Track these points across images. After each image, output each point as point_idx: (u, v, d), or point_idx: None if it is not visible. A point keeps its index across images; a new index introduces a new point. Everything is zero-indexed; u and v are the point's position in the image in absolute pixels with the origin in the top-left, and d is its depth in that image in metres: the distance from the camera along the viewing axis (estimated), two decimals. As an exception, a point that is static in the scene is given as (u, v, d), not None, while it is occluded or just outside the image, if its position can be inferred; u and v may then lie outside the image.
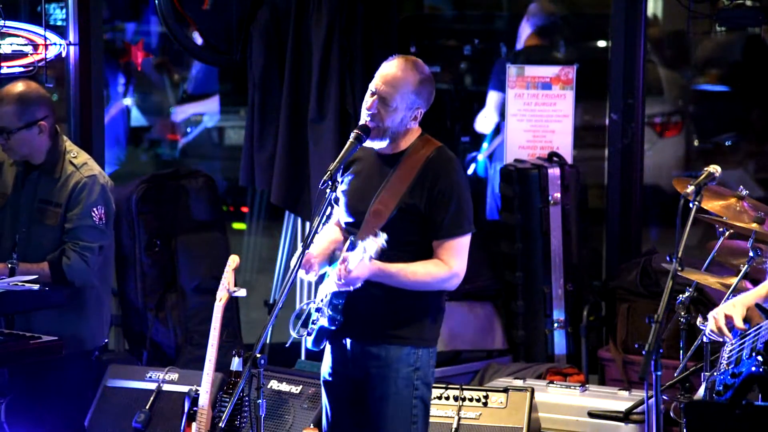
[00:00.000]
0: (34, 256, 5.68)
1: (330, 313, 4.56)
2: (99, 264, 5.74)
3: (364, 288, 4.51)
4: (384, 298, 4.57)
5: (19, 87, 5.70)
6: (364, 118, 4.62)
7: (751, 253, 5.35)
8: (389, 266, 4.50)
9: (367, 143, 4.64)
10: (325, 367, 4.78)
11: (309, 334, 4.69)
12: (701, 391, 4.90)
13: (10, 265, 5.50)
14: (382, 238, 4.34)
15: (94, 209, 5.66)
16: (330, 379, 4.75)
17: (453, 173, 4.60)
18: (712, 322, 4.57)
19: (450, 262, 4.57)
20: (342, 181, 4.71)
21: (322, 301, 4.64)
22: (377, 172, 4.65)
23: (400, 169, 4.60)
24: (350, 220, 4.68)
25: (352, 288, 4.48)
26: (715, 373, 4.70)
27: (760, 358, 4.46)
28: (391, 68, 4.62)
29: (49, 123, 5.69)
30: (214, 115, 10.72)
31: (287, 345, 4.97)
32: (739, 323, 4.51)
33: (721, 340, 4.57)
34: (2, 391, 5.62)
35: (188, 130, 10.63)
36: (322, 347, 4.72)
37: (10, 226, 5.74)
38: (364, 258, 4.39)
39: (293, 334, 4.76)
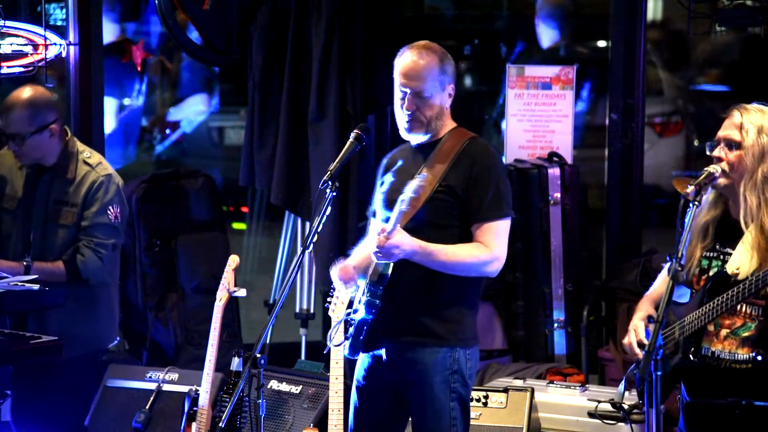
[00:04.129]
0: (48, 257, 5.69)
1: (368, 299, 4.54)
2: (113, 262, 5.74)
3: (400, 279, 4.50)
4: (421, 289, 4.55)
5: (27, 92, 5.73)
6: (404, 120, 4.62)
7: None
8: (430, 244, 4.49)
9: (415, 138, 4.66)
10: (359, 371, 4.77)
11: (347, 339, 4.68)
12: (621, 388, 4.97)
13: (25, 263, 5.52)
14: (419, 178, 4.35)
15: (110, 207, 5.69)
16: (364, 384, 4.75)
17: (490, 157, 4.62)
18: (627, 338, 4.65)
19: (490, 245, 4.55)
20: (380, 184, 4.74)
21: (359, 302, 4.63)
22: (412, 162, 4.67)
23: (436, 155, 4.61)
24: (389, 212, 4.66)
25: (390, 261, 4.46)
26: (636, 372, 4.73)
27: (692, 353, 4.51)
28: (411, 62, 4.61)
29: (59, 126, 5.74)
30: (197, 114, 10.68)
31: (325, 351, 4.99)
32: (641, 335, 4.59)
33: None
34: (5, 388, 5.65)
35: (167, 131, 10.60)
36: (357, 356, 4.71)
37: (22, 228, 5.76)
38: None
39: (330, 344, 4.77)
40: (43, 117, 5.67)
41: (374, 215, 4.76)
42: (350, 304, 4.73)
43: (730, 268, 4.52)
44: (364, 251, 4.74)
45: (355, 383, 4.79)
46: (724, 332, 4.54)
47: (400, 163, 4.73)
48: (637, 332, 4.66)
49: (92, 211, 5.66)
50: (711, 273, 4.59)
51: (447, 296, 4.60)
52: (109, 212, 5.69)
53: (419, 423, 4.64)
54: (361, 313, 4.59)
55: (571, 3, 8.55)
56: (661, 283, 4.85)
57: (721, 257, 4.60)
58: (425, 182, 4.43)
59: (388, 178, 4.73)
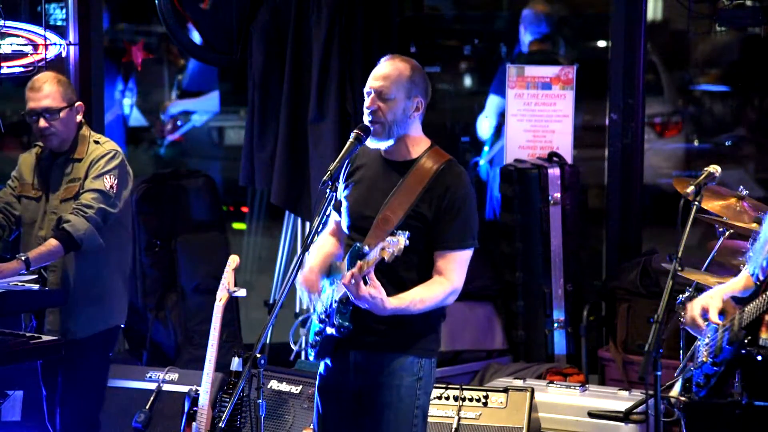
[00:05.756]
0: None
1: (338, 321, 4.53)
2: (104, 231, 5.70)
3: None
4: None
5: (50, 72, 5.83)
6: (366, 118, 4.60)
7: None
8: (400, 303, 4.46)
9: (374, 144, 4.62)
10: (322, 371, 4.74)
11: (312, 347, 4.67)
12: (677, 387, 4.94)
13: (23, 259, 5.51)
14: (404, 238, 4.29)
15: (107, 176, 5.69)
16: (327, 385, 4.71)
17: (463, 186, 4.58)
18: (689, 313, 4.60)
19: (450, 276, 4.54)
20: (345, 188, 4.69)
21: (325, 312, 4.61)
22: (385, 178, 4.62)
23: (411, 177, 4.57)
24: (354, 225, 4.64)
25: (353, 299, 4.44)
26: (692, 368, 4.72)
27: (746, 341, 4.48)
28: (381, 67, 4.62)
29: (83, 104, 5.80)
30: (205, 112, 10.69)
31: (291, 358, 4.95)
32: (713, 317, 4.54)
33: (695, 332, 4.59)
34: (7, 388, 5.65)
35: (178, 123, 10.60)
36: (322, 361, 4.70)
37: (43, 212, 5.78)
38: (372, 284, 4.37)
39: (294, 347, 4.74)
40: (71, 94, 5.74)
41: (332, 203, 4.64)
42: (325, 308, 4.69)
43: None
44: (324, 249, 4.72)
45: (317, 383, 4.76)
46: None
47: (368, 173, 4.66)
48: (709, 308, 4.56)
49: (90, 179, 5.68)
50: None
51: (412, 316, 4.54)
52: (105, 180, 5.68)
53: (381, 425, 4.59)
54: (331, 331, 4.57)
55: (552, 8, 8.57)
56: (741, 278, 4.76)
57: None
58: (395, 248, 4.38)
59: (356, 188, 4.65)
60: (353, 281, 4.36)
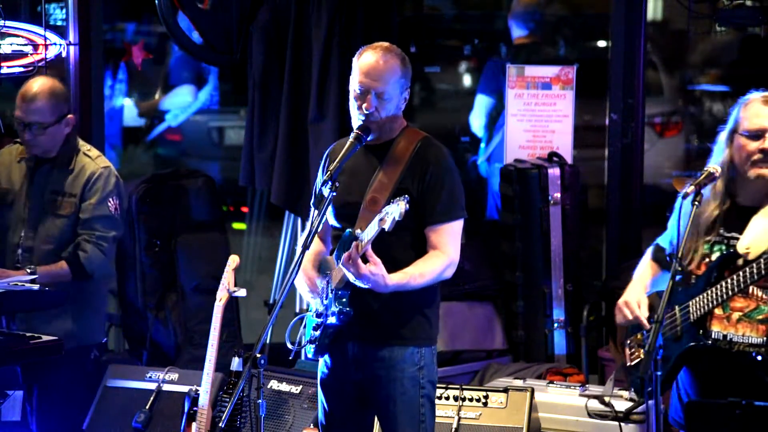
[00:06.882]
0: (44, 248, 5.69)
1: (338, 307, 4.54)
2: (114, 254, 5.74)
3: (365, 290, 4.50)
4: (386, 299, 4.55)
5: (46, 82, 5.76)
6: (360, 117, 4.60)
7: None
8: (401, 278, 4.49)
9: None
10: (322, 368, 4.76)
11: (311, 342, 4.67)
12: (608, 386, 4.98)
13: (29, 271, 5.52)
14: (404, 202, 4.29)
15: (110, 199, 5.70)
16: (329, 380, 4.73)
17: (443, 159, 4.62)
18: (627, 312, 4.65)
19: (446, 249, 4.57)
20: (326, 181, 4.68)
21: (321, 305, 4.62)
22: (364, 163, 4.65)
23: (391, 157, 4.62)
24: (341, 214, 4.66)
25: (354, 279, 4.45)
26: (627, 364, 4.75)
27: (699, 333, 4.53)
28: (373, 62, 4.58)
29: (74, 117, 5.78)
30: (178, 108, 10.61)
31: (291, 357, 4.96)
32: (645, 312, 4.61)
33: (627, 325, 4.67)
34: (8, 388, 5.66)
35: (154, 121, 10.56)
36: (321, 357, 4.71)
37: (21, 220, 5.76)
38: (372, 265, 4.37)
39: (291, 346, 4.74)
40: (62, 107, 5.73)
41: (315, 205, 4.64)
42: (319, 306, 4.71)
43: (740, 247, 4.52)
44: (311, 251, 4.68)
45: (319, 380, 4.78)
46: (736, 315, 4.54)
47: (348, 162, 4.63)
48: (640, 305, 4.64)
49: (91, 203, 5.68)
50: (713, 258, 4.60)
51: (409, 298, 4.58)
52: (109, 204, 5.70)
53: (389, 419, 4.62)
54: (331, 320, 4.58)
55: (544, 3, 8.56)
56: (646, 266, 4.84)
57: (726, 241, 4.60)
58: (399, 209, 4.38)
59: (339, 178, 4.62)
60: (351, 261, 4.37)
